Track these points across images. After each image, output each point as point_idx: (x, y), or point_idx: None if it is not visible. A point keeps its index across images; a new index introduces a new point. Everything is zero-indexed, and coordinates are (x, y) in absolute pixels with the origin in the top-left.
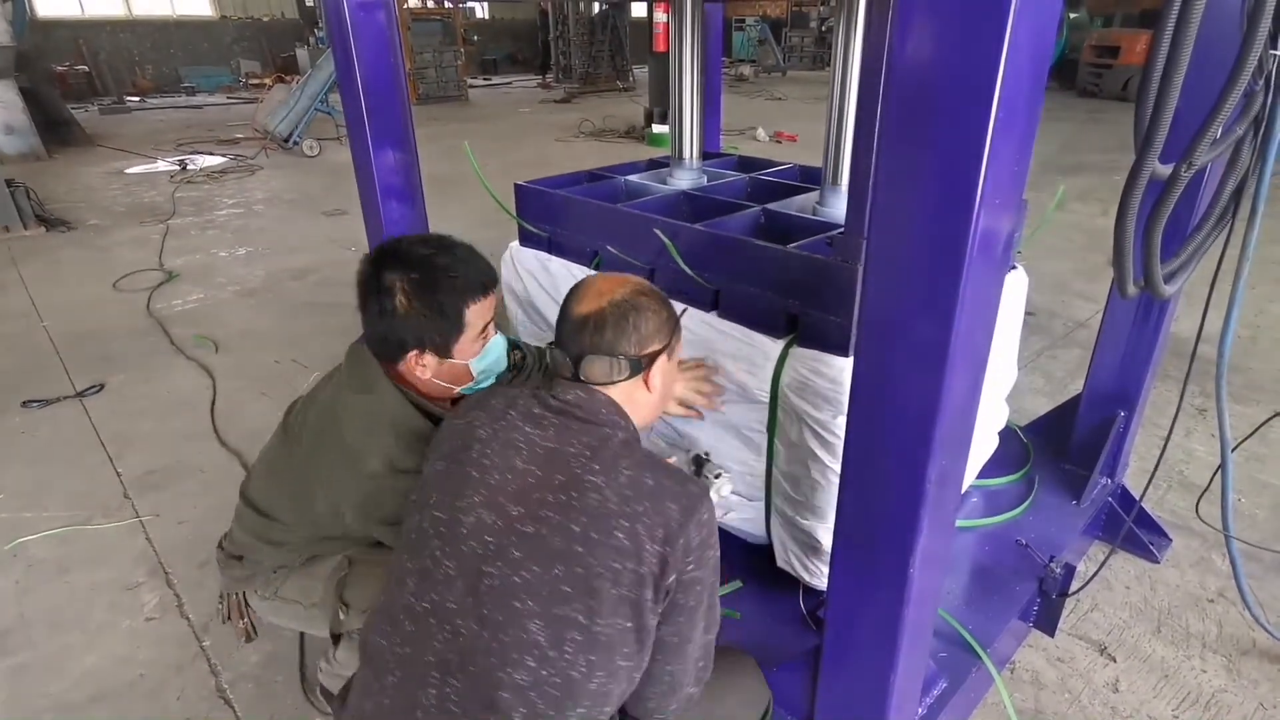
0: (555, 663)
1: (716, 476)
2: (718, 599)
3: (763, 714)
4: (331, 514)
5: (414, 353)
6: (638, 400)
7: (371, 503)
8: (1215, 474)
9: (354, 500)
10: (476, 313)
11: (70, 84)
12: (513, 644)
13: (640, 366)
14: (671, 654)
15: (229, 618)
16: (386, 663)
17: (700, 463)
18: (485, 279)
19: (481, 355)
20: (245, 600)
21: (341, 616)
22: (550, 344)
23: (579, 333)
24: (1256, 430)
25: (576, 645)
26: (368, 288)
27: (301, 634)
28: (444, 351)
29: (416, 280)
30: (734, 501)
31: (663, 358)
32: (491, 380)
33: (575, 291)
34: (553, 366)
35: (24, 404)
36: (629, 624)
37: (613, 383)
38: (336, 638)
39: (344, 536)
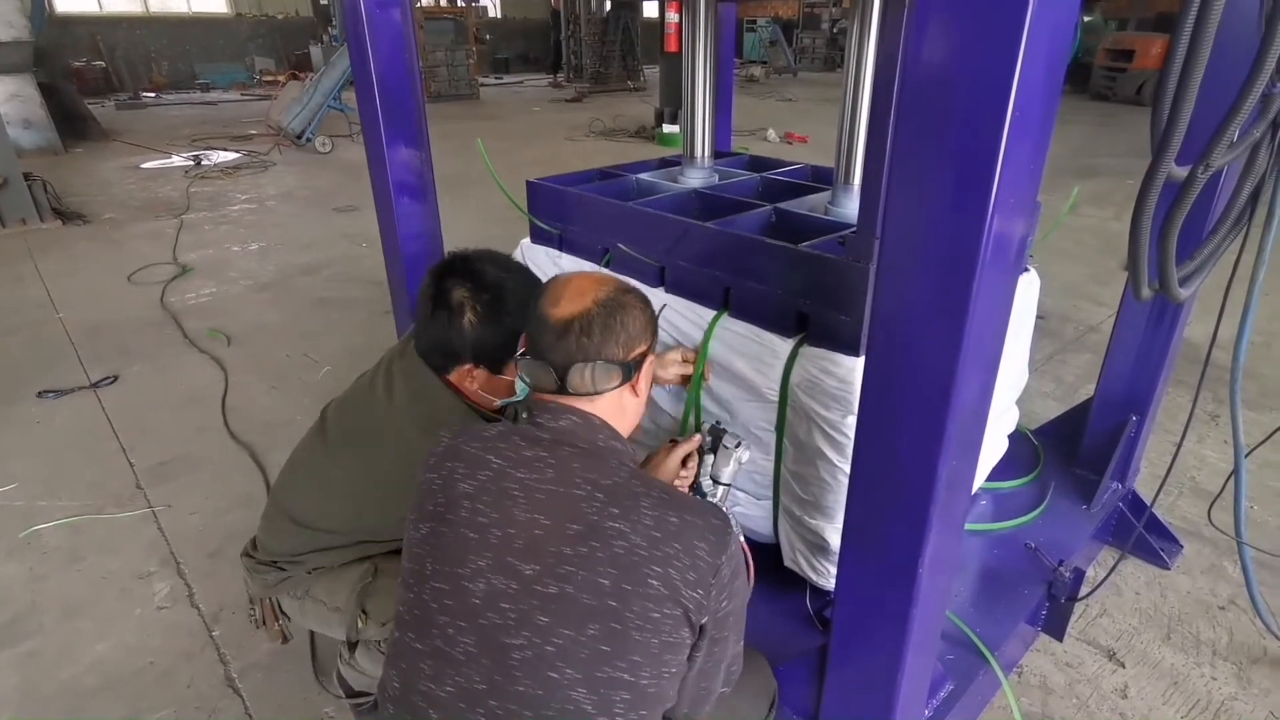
0: None
1: (736, 446)
2: (744, 617)
3: (769, 705)
4: (396, 517)
5: (468, 366)
6: (626, 408)
7: None
8: (1228, 480)
9: None
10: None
11: (87, 79)
12: (558, 717)
13: (631, 371)
14: (709, 674)
15: (264, 623)
16: None
17: (717, 433)
18: None
19: None
20: (279, 604)
21: (360, 625)
22: (521, 355)
23: (563, 338)
24: (1270, 437)
25: (627, 704)
26: (435, 300)
27: (322, 666)
28: (496, 369)
29: (488, 301)
30: (741, 498)
31: (649, 359)
32: (519, 398)
33: (549, 293)
34: (530, 381)
35: (39, 394)
36: (674, 670)
37: (601, 392)
38: (353, 644)
39: (392, 536)
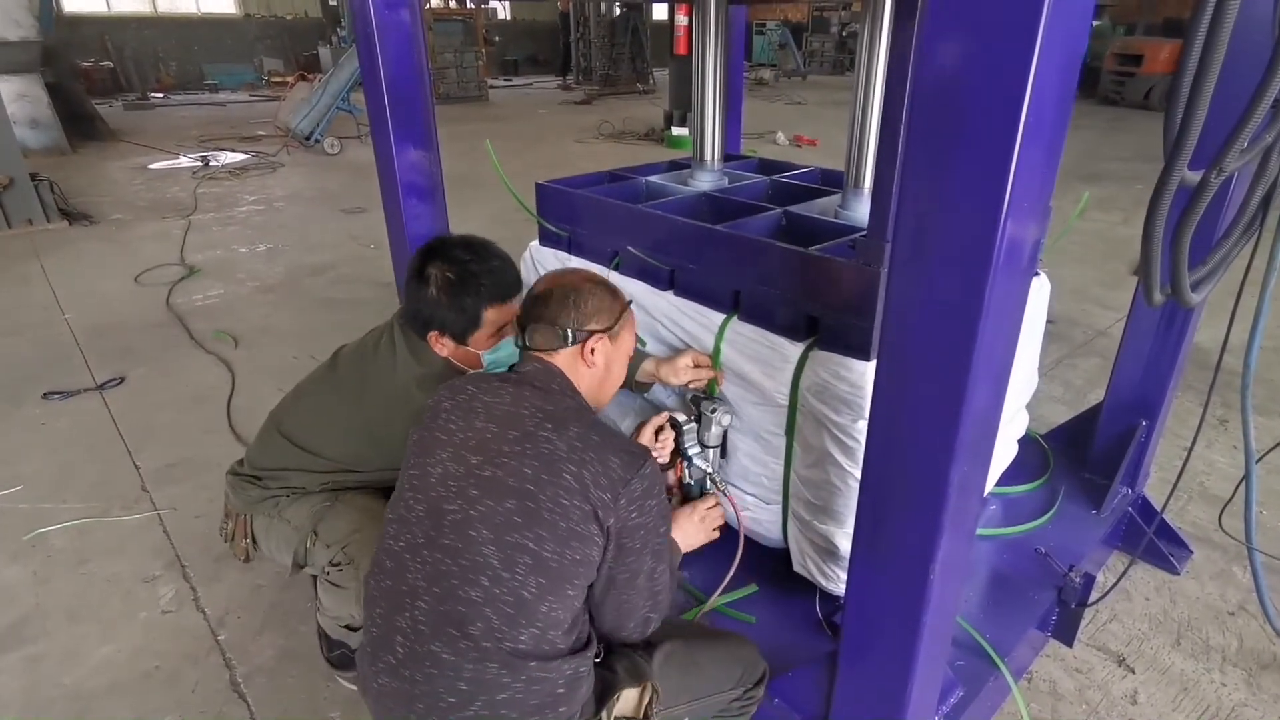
0: (508, 583)
1: (713, 411)
2: (664, 538)
3: (757, 680)
4: (377, 452)
5: (435, 333)
6: (580, 373)
7: None
8: (1239, 486)
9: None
10: (493, 315)
11: (95, 79)
12: (469, 566)
13: (576, 339)
14: (623, 586)
15: (233, 537)
16: (375, 599)
17: (698, 401)
18: (506, 289)
19: (493, 350)
20: (251, 523)
21: (309, 544)
22: (517, 320)
23: (531, 307)
24: None
25: (527, 568)
26: (413, 272)
27: (317, 620)
28: (460, 339)
29: (450, 279)
30: (750, 502)
31: (603, 338)
32: (498, 371)
33: (536, 282)
34: (515, 339)
35: (45, 395)
36: (578, 557)
37: (554, 350)
38: (300, 566)
39: (369, 470)
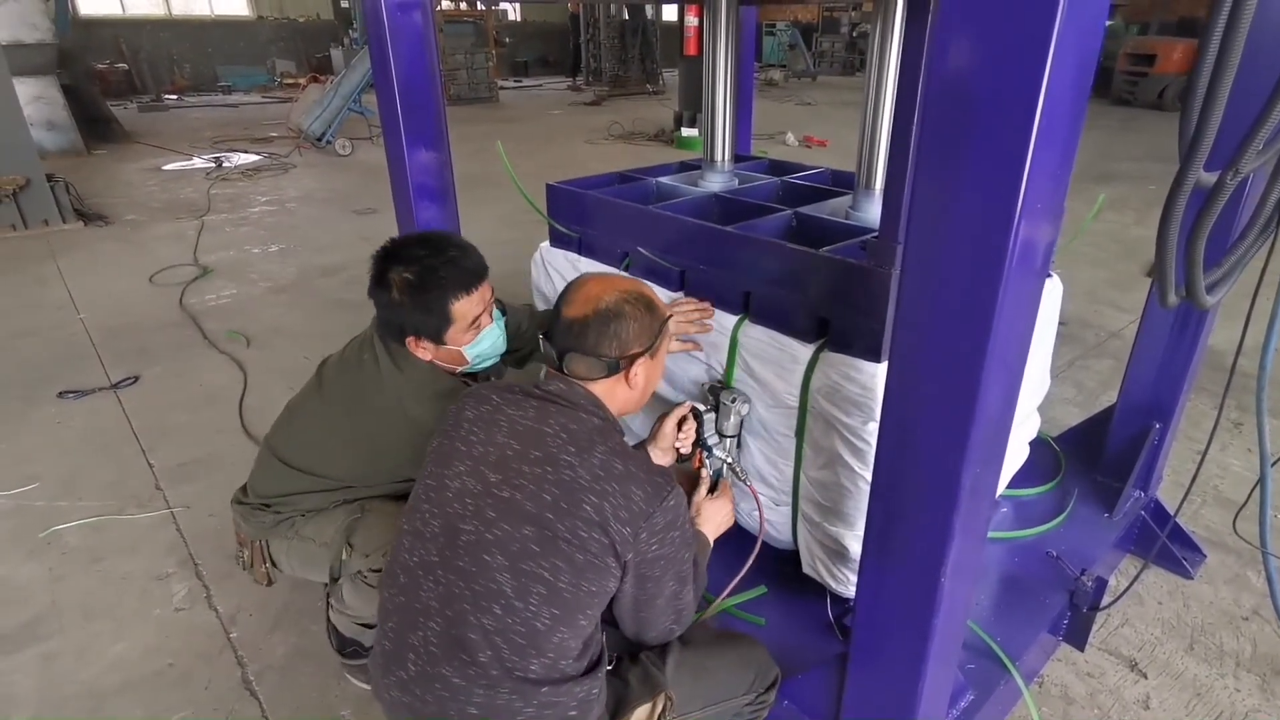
0: (520, 613)
1: (733, 401)
2: (688, 563)
3: (769, 685)
4: (383, 467)
5: (412, 338)
6: (618, 395)
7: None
8: (1253, 489)
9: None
10: (463, 307)
11: (110, 81)
12: (483, 592)
13: (619, 367)
14: (643, 605)
15: (251, 564)
16: (389, 612)
17: (716, 391)
18: (470, 277)
19: (474, 343)
20: (268, 548)
21: (345, 557)
22: (543, 334)
23: (566, 333)
24: None
25: (541, 598)
26: (375, 278)
27: (329, 616)
28: (436, 339)
29: (409, 280)
30: (761, 501)
31: (644, 358)
32: (487, 364)
33: (567, 293)
34: (544, 357)
35: (60, 394)
36: (594, 589)
37: (593, 379)
38: (335, 579)
39: (377, 484)
